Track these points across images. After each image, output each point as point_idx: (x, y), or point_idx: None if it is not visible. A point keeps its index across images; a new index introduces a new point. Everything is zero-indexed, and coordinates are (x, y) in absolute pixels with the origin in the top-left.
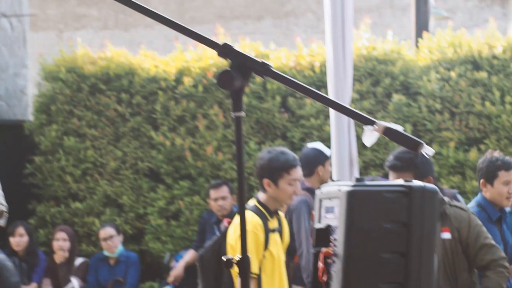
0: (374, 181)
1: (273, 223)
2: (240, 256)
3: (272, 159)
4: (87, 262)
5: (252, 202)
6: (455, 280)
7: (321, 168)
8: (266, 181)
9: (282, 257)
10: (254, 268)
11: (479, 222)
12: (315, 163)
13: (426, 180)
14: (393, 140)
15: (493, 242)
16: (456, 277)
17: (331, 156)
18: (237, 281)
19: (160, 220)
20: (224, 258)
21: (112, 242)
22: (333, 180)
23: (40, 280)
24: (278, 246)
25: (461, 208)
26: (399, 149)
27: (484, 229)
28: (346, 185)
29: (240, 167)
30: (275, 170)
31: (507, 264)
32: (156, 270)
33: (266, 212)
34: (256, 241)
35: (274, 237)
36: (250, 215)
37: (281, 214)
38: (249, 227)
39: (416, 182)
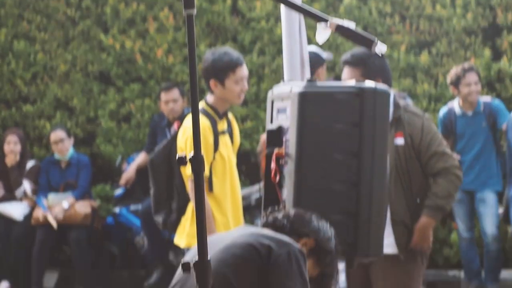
0: (326, 83)
1: (222, 125)
2: (193, 154)
3: (216, 59)
4: (39, 165)
5: (200, 105)
6: (409, 185)
7: (321, 70)
8: (212, 82)
9: (232, 158)
10: (205, 170)
11: (434, 129)
12: (315, 65)
13: (374, 81)
14: (346, 37)
15: (446, 150)
16: (410, 182)
17: (284, 57)
18: (189, 184)
19: (111, 123)
20: (177, 156)
21: (62, 145)
22: (284, 81)
23: None
24: (228, 148)
25: (416, 114)
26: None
27: (439, 136)
28: (297, 86)
29: (192, 65)
30: (220, 70)
31: (459, 172)
32: (108, 173)
33: (215, 114)
34: (205, 143)
35: (224, 139)
36: None
37: (231, 115)
38: None
39: (368, 83)
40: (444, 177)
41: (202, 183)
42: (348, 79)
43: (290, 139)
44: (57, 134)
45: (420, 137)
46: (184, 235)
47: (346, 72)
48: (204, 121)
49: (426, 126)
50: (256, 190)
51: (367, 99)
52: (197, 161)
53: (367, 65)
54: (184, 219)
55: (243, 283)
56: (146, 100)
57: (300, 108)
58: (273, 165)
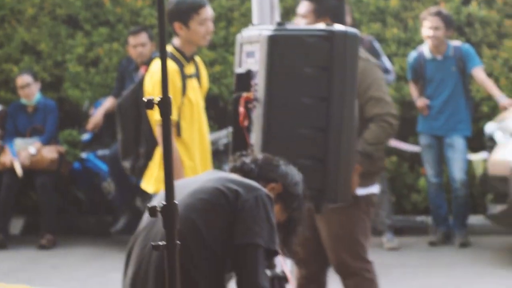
0: (295, 26)
1: (189, 69)
2: (161, 97)
3: (180, 2)
4: (5, 110)
5: (168, 49)
6: None
7: None
8: (177, 24)
9: (200, 102)
10: (173, 114)
11: (377, 75)
12: None
13: (322, 19)
14: None
15: (385, 96)
16: None
17: (253, 1)
18: (157, 129)
19: (78, 67)
20: (144, 99)
21: (29, 89)
22: (253, 25)
23: None
24: (196, 92)
25: (360, 58)
26: None
27: (381, 82)
28: (267, 29)
29: (161, 8)
30: (183, 12)
31: (393, 120)
32: (75, 118)
33: (182, 58)
34: (173, 87)
35: (192, 82)
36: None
37: (198, 59)
38: None
39: (338, 27)
40: (377, 123)
41: (169, 127)
42: (300, 13)
43: (259, 83)
44: (24, 79)
45: (359, 80)
46: (152, 180)
47: (301, 5)
48: (171, 65)
49: (368, 70)
50: (224, 135)
51: (337, 42)
52: (165, 104)
53: (321, 2)
54: (152, 164)
55: (211, 228)
56: (114, 44)
57: (269, 52)
58: (241, 109)
